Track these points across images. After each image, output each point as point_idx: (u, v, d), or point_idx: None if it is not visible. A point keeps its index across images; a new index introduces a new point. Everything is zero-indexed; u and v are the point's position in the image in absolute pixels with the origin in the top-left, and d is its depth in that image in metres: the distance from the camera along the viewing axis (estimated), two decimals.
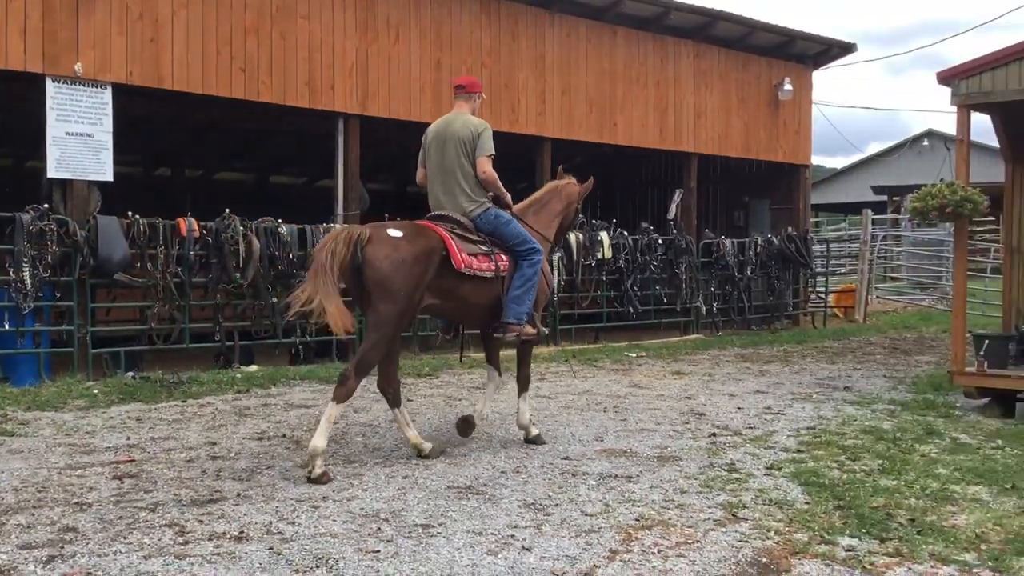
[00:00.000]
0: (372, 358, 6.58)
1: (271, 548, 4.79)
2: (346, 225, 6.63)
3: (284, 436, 7.56)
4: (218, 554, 4.70)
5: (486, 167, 7.07)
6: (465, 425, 7.41)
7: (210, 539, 4.93)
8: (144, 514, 5.36)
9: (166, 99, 13.07)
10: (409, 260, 6.49)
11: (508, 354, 7.90)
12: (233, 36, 11.69)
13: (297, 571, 4.48)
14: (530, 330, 7.16)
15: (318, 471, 6.14)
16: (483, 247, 6.99)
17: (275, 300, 11.41)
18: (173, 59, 11.23)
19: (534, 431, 7.48)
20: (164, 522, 5.21)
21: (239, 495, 5.78)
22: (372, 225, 6.71)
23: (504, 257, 7.08)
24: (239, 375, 10.54)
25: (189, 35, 11.34)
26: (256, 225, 11.35)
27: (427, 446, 6.89)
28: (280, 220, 11.64)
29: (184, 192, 20.35)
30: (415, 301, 6.61)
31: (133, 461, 6.63)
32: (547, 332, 8.17)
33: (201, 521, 5.24)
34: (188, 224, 10.85)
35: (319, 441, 6.20)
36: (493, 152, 7.15)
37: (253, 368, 11.11)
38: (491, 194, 7.26)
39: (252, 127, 18.23)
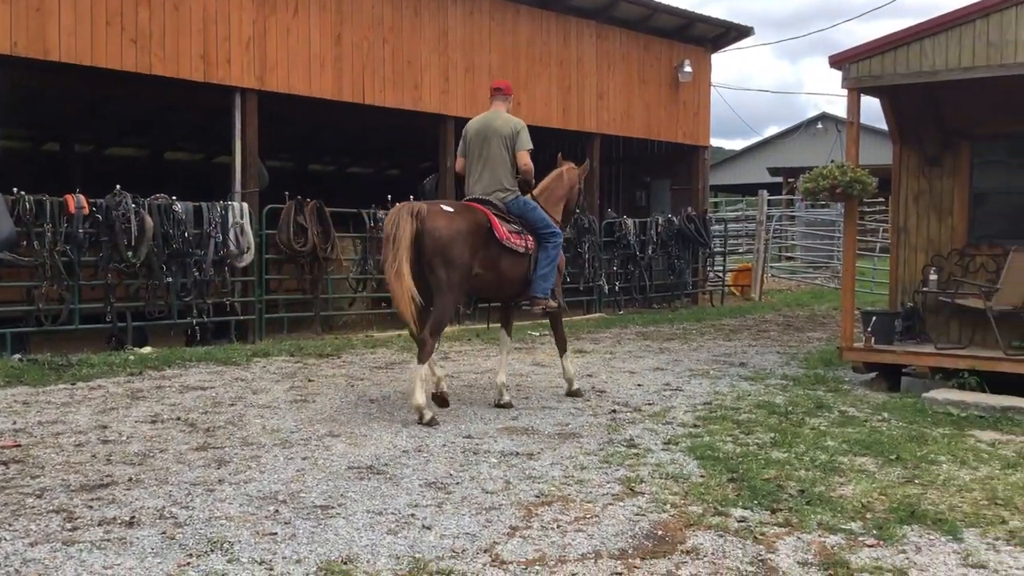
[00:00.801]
0: (444, 319, 7.62)
1: (164, 533, 4.68)
2: (405, 202, 7.66)
3: (179, 419, 7.38)
4: (108, 540, 4.57)
5: (526, 159, 8.13)
6: (499, 397, 8.17)
7: (100, 525, 4.79)
8: (31, 500, 5.18)
9: (54, 71, 12.54)
10: (464, 231, 7.47)
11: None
12: (124, 7, 11.28)
13: (191, 555, 4.38)
14: (552, 303, 8.30)
15: (427, 417, 7.25)
16: (515, 226, 7.99)
17: (169, 279, 11.12)
18: (60, 29, 10.79)
19: (576, 385, 8.64)
20: (51, 508, 5.05)
21: (131, 479, 5.62)
22: (427, 202, 7.70)
23: (530, 238, 8.07)
24: (132, 357, 10.24)
25: (77, 4, 10.90)
26: (149, 202, 11.03)
27: (428, 414, 7.30)
28: (175, 197, 11.33)
29: (74, 168, 19.62)
30: (472, 267, 7.58)
31: (19, 446, 6.39)
32: (566, 306, 9.18)
33: (90, 507, 5.09)
34: (77, 201, 10.47)
35: (420, 399, 7.24)
36: (531, 146, 8.20)
37: (147, 349, 10.81)
38: (519, 179, 8.23)
39: (145, 101, 17.65)
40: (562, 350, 8.72)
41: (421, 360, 7.34)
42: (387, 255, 7.32)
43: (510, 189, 8.11)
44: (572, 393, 8.62)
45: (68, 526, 4.77)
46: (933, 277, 10.07)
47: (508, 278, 8.00)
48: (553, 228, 8.25)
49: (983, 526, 5.01)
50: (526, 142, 8.11)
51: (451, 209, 7.59)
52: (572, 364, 8.79)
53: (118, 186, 10.95)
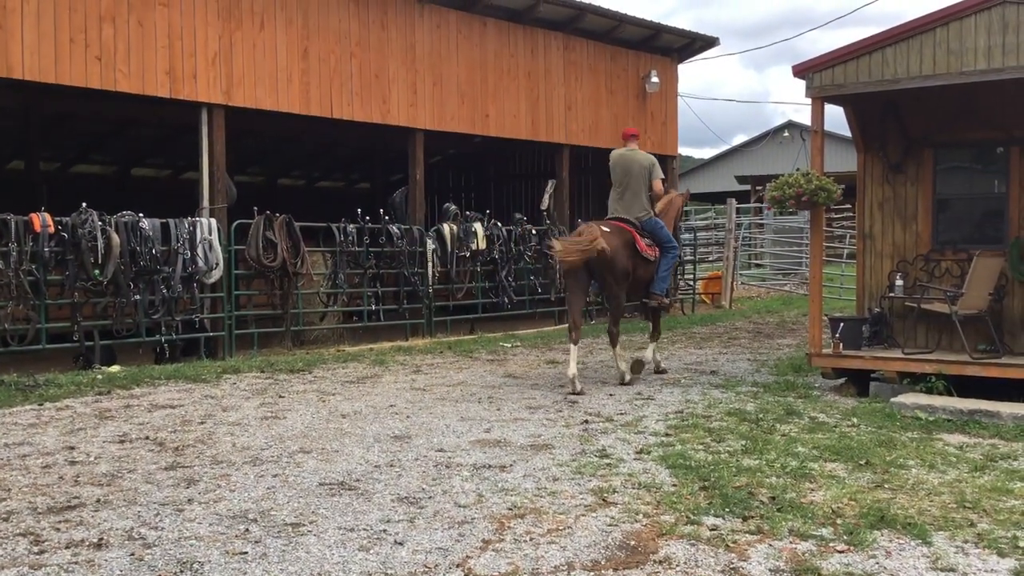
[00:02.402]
0: (618, 311, 10.33)
1: (132, 554, 4.63)
2: (584, 225, 10.26)
3: (148, 438, 7.30)
4: (76, 563, 4.51)
5: (660, 186, 10.54)
6: (638, 365, 10.41)
7: (67, 547, 4.73)
8: None
9: (17, 89, 12.45)
10: (621, 246, 9.81)
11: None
12: (88, 23, 11.20)
13: None
14: (666, 300, 10.94)
15: (628, 378, 10.03)
16: (648, 240, 10.18)
17: (137, 297, 11.02)
18: (23, 47, 10.70)
19: (663, 365, 11.01)
20: (18, 531, 4.98)
21: (99, 500, 5.56)
22: (590, 225, 9.99)
23: (656, 248, 10.27)
24: (100, 376, 10.13)
25: (40, 22, 10.81)
26: (116, 219, 10.94)
27: (628, 376, 10.10)
28: (142, 214, 11.25)
29: (39, 186, 19.38)
30: (629, 273, 9.99)
31: None
32: (675, 302, 12.02)
33: (58, 529, 5.02)
34: (42, 220, 10.36)
35: (622, 367, 10.09)
36: (664, 176, 10.72)
37: (115, 368, 10.70)
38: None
39: (111, 118, 17.56)
40: (654, 339, 11.02)
41: (613, 344, 10.22)
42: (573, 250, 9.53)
43: (646, 210, 10.32)
44: (660, 371, 10.82)
45: (35, 549, 4.71)
46: (899, 283, 10.17)
47: (642, 280, 10.28)
48: (673, 242, 10.57)
49: (952, 529, 5.06)
50: (659, 173, 10.47)
51: (608, 229, 9.80)
52: (657, 353, 10.97)
53: (84, 204, 10.85)
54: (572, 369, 9.52)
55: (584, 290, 10.27)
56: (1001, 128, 9.78)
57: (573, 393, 9.22)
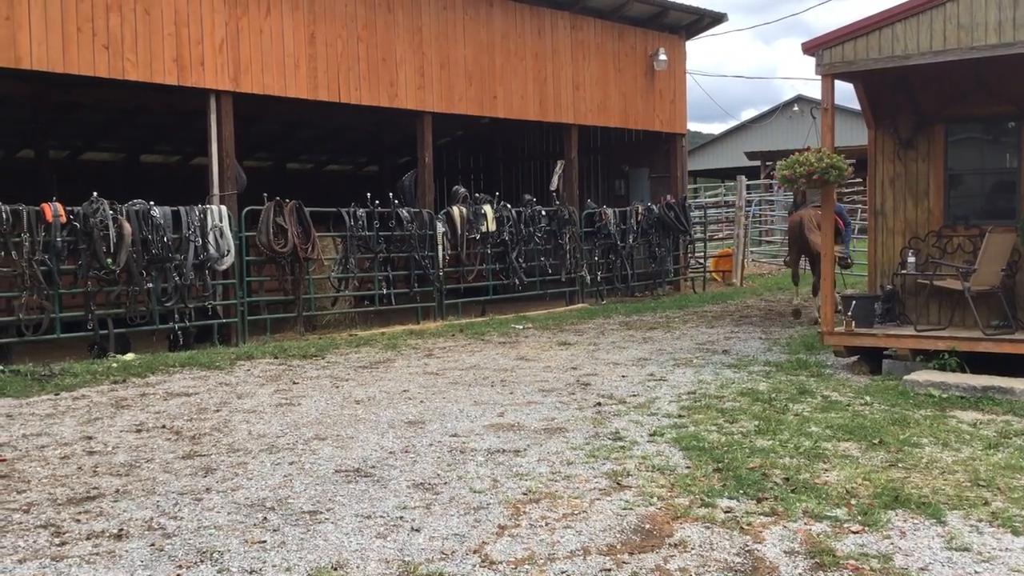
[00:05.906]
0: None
1: (153, 544, 4.68)
2: (797, 212, 13.65)
3: (164, 427, 7.36)
4: (97, 554, 4.57)
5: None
6: (799, 314, 13.85)
7: (88, 538, 4.79)
8: (17, 516, 5.16)
9: (26, 79, 12.46)
10: (817, 228, 12.32)
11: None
12: (95, 13, 11.19)
13: (180, 567, 4.39)
14: (849, 262, 14.25)
15: (818, 317, 12.17)
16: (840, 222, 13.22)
17: (150, 285, 11.07)
18: (31, 37, 10.70)
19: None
20: (39, 523, 5.04)
21: (118, 491, 5.61)
22: (805, 211, 13.23)
23: (842, 224, 13.41)
24: (115, 364, 10.20)
25: (47, 12, 10.81)
26: (127, 208, 10.97)
27: (801, 309, 13.83)
28: (152, 202, 11.28)
29: (49, 174, 19.44)
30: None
31: (4, 460, 6.36)
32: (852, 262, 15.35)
33: (78, 520, 5.08)
34: (53, 209, 10.40)
35: (814, 313, 13.34)
36: None
37: (130, 356, 10.76)
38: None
39: (119, 106, 17.56)
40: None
41: (815, 294, 13.72)
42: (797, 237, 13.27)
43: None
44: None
45: (56, 541, 4.76)
46: (911, 259, 10.14)
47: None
48: (849, 219, 14.28)
49: (966, 508, 5.07)
50: None
51: (811, 213, 12.95)
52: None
53: (95, 193, 10.88)
54: (797, 300, 14.21)
55: (800, 254, 13.90)
56: (1012, 103, 9.71)
57: (795, 318, 13.80)
